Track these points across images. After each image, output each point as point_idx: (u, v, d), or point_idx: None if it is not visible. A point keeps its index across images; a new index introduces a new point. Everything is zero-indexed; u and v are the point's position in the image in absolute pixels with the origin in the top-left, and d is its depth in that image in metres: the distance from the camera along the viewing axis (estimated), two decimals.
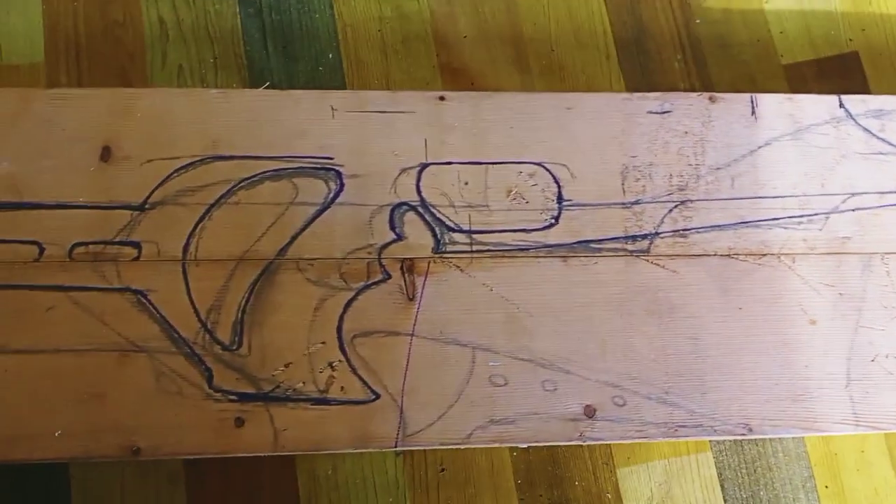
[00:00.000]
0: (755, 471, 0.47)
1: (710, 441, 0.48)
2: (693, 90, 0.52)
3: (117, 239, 0.44)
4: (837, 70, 0.56)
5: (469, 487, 0.46)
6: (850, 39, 0.56)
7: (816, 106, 0.50)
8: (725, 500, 0.47)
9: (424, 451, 0.46)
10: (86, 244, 0.43)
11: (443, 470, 0.46)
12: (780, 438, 0.47)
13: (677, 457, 0.47)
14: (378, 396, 0.43)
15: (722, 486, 0.47)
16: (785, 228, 0.48)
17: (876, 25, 0.56)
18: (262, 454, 0.42)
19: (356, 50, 0.52)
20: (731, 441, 0.47)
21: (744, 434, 0.45)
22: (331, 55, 0.51)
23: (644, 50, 0.54)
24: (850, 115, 0.50)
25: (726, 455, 0.48)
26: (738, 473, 0.48)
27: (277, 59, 0.51)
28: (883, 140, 0.50)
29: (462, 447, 0.43)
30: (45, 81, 0.49)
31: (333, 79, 0.51)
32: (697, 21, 0.55)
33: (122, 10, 0.51)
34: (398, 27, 0.53)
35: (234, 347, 0.43)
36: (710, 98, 0.49)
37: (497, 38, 0.53)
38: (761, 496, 0.47)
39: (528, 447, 0.45)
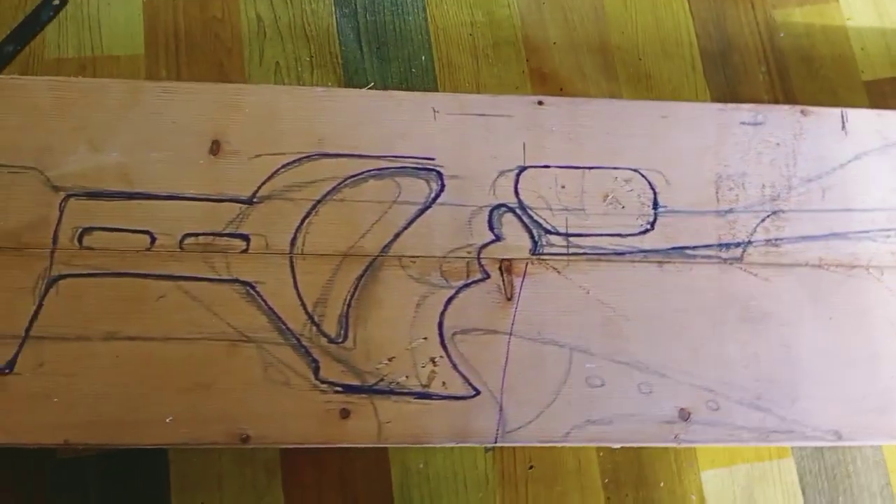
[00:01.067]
0: (835, 477, 0.48)
1: (791, 447, 0.48)
2: (776, 102, 0.53)
3: (227, 231, 0.44)
4: None
5: (557, 485, 0.46)
6: None
7: None
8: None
9: (514, 448, 0.46)
10: (196, 235, 0.44)
11: (531, 467, 0.46)
12: (858, 446, 0.47)
13: (760, 462, 0.47)
14: (478, 392, 0.43)
15: (803, 492, 0.47)
16: (874, 241, 0.48)
17: None
18: (366, 445, 0.42)
19: (448, 53, 0.52)
20: (812, 448, 0.47)
21: (833, 441, 0.45)
22: (423, 57, 0.52)
23: (729, 62, 0.54)
24: None
25: (807, 461, 0.48)
26: (819, 480, 0.48)
27: (371, 60, 0.51)
28: None
29: (559, 445, 0.43)
30: (144, 73, 0.50)
31: (425, 80, 0.51)
32: (781, 35, 0.56)
33: (221, 6, 0.52)
34: (489, 32, 0.53)
35: (340, 340, 0.43)
36: (802, 111, 0.50)
37: (585, 45, 0.54)
38: (840, 501, 0.47)
39: (618, 448, 0.45)
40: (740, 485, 0.47)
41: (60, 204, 0.44)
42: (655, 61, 0.53)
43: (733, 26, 0.56)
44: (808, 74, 0.56)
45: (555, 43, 0.53)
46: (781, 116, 0.50)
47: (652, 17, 0.55)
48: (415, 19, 0.53)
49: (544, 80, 0.53)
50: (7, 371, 0.41)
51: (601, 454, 0.47)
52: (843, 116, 0.50)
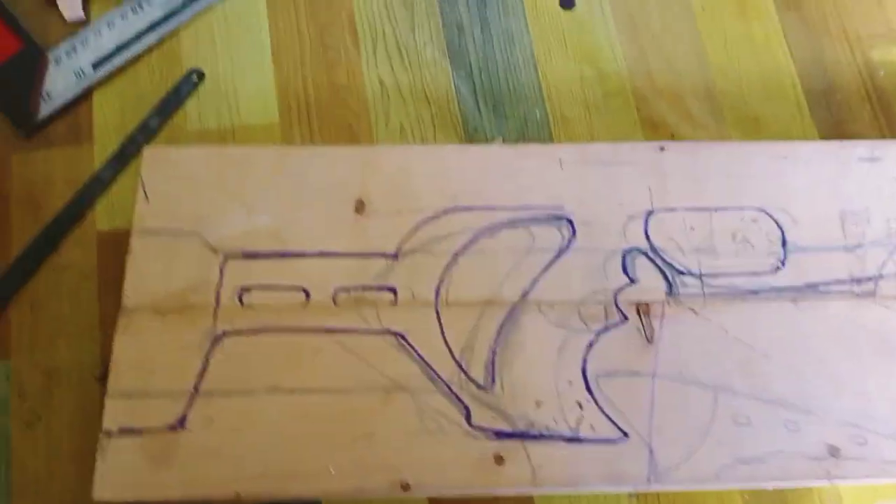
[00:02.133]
0: None
1: None
2: (883, 138, 0.53)
3: (376, 284, 0.45)
4: None
5: None
6: None
7: None
8: None
9: (658, 495, 0.46)
10: (347, 289, 0.45)
11: None
12: None
13: None
14: (627, 435, 0.43)
15: None
16: None
17: None
18: (522, 490, 0.42)
19: (560, 106, 0.53)
20: None
21: None
22: (538, 112, 0.53)
23: (833, 101, 0.55)
24: None
25: None
26: None
27: (489, 117, 0.53)
28: None
29: (712, 484, 0.42)
30: (280, 139, 0.52)
31: (541, 134, 0.52)
32: (881, 73, 0.56)
33: (345, 73, 0.54)
34: (598, 85, 0.54)
35: (489, 386, 0.43)
36: None
37: (691, 92, 0.55)
38: None
39: (768, 489, 0.44)
40: None
41: (221, 265, 0.45)
42: (761, 103, 0.54)
43: (833, 67, 0.56)
44: None
45: (662, 91, 0.54)
46: None
47: (753, 62, 0.56)
48: (527, 77, 0.54)
49: (655, 127, 0.54)
50: (179, 427, 0.42)
51: (745, 497, 0.46)
52: None
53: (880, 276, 0.47)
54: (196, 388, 0.43)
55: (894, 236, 0.48)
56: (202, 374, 0.43)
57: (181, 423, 0.42)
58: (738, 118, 0.55)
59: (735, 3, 0.59)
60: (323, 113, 0.53)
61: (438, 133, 0.53)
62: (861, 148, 0.50)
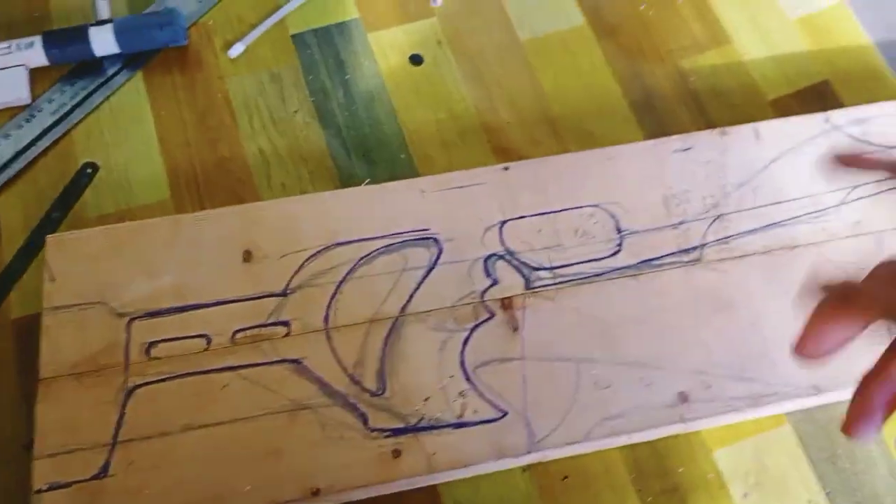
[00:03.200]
0: (829, 433, 0.54)
1: (785, 415, 0.54)
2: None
3: (269, 321, 0.52)
4: (814, 97, 0.66)
5: (590, 489, 0.52)
6: (820, 71, 0.67)
7: (807, 124, 0.60)
8: (811, 461, 0.53)
9: (547, 464, 0.52)
10: (244, 329, 0.51)
11: (566, 478, 0.52)
12: (844, 402, 0.54)
13: (761, 433, 0.54)
14: (506, 413, 0.50)
15: (805, 451, 0.53)
16: (807, 224, 0.57)
17: (840, 57, 0.68)
18: (420, 476, 0.48)
19: (422, 148, 0.62)
20: (802, 412, 0.54)
21: (814, 394, 0.51)
22: (402, 156, 0.61)
23: (655, 109, 0.64)
24: (836, 127, 0.60)
25: (802, 424, 0.54)
26: (816, 438, 0.54)
27: (360, 165, 0.60)
28: (867, 142, 0.59)
29: (584, 444, 0.49)
30: (174, 213, 0.59)
31: (408, 173, 0.61)
32: (692, 79, 0.66)
33: (227, 147, 0.62)
34: (453, 125, 0.63)
35: (381, 392, 0.50)
36: (721, 132, 0.59)
37: (532, 120, 0.64)
38: (839, 453, 0.53)
39: (636, 443, 0.51)
40: (749, 457, 0.53)
41: (126, 327, 0.51)
42: (594, 121, 0.63)
43: (651, 80, 0.66)
44: (723, 105, 0.66)
45: (508, 123, 0.63)
46: (705, 139, 0.59)
47: (582, 87, 0.66)
48: (389, 127, 0.63)
49: (506, 153, 0.63)
50: (102, 475, 0.47)
51: (623, 453, 0.53)
52: (755, 129, 0.60)
53: (703, 245, 0.56)
54: (115, 438, 0.48)
55: (711, 210, 0.57)
56: (119, 424, 0.49)
57: (104, 470, 0.47)
58: (576, 136, 0.64)
59: (559, 40, 0.69)
60: (210, 184, 0.60)
61: (317, 185, 0.61)
62: (675, 141, 0.60)
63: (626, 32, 0.72)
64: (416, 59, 0.69)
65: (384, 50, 0.69)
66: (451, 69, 0.69)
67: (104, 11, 0.67)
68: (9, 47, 0.65)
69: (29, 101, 0.64)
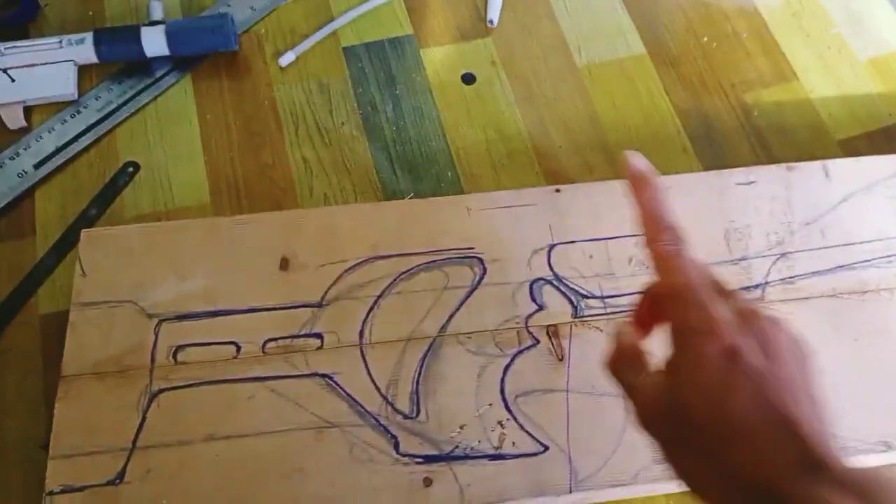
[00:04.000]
0: None
1: None
2: None
3: (302, 332, 0.50)
4: (884, 139, 0.63)
5: None
6: (890, 114, 0.64)
7: (879, 164, 0.57)
8: None
9: None
10: (276, 339, 0.49)
11: None
12: None
13: None
14: (547, 448, 0.47)
15: None
16: (878, 268, 0.53)
17: None
18: None
19: (469, 167, 0.60)
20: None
21: (884, 450, 0.48)
22: (449, 173, 0.60)
23: (714, 141, 0.62)
24: None
25: None
26: None
27: (405, 181, 0.59)
28: None
29: (631, 487, 0.46)
30: (212, 217, 0.57)
31: (455, 191, 0.59)
32: (755, 114, 0.64)
33: (271, 155, 0.61)
34: (502, 146, 0.61)
35: (414, 416, 0.47)
36: (788, 167, 0.57)
37: (586, 145, 0.62)
38: None
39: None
40: None
41: (155, 329, 0.50)
42: (650, 150, 0.61)
43: (712, 112, 0.64)
44: (787, 142, 0.63)
45: (560, 147, 0.62)
46: (771, 174, 0.57)
47: (640, 115, 0.64)
48: (437, 144, 0.61)
49: (556, 177, 0.61)
50: (118, 481, 0.45)
51: (671, 501, 0.50)
52: (824, 167, 0.57)
53: (766, 284, 0.53)
54: (134, 444, 0.46)
55: (775, 247, 0.54)
56: (139, 429, 0.47)
57: (120, 477, 0.45)
58: None
59: (618, 67, 0.68)
60: (251, 191, 0.59)
61: (360, 199, 0.59)
62: (737, 174, 0.57)
63: (687, 63, 0.70)
64: (468, 79, 0.68)
65: (436, 67, 0.68)
66: (503, 90, 0.67)
67: (157, 13, 0.67)
68: (59, 42, 0.65)
69: (76, 97, 0.64)
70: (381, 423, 0.48)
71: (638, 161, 0.41)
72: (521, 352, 0.50)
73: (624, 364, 0.37)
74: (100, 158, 0.62)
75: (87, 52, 0.64)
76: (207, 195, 0.61)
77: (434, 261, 0.53)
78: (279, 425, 0.47)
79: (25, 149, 0.62)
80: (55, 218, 0.59)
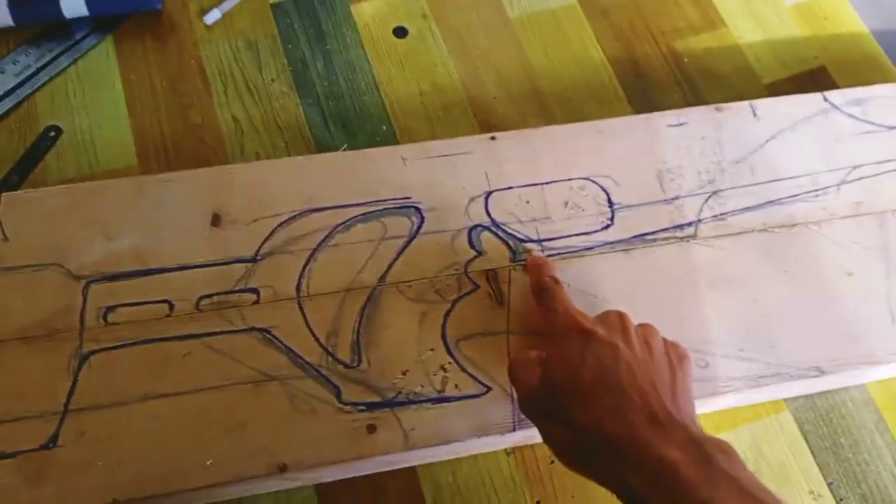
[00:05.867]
0: (831, 421, 0.52)
1: (785, 400, 0.52)
2: None
3: (237, 288, 0.49)
4: (810, 81, 0.65)
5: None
6: (816, 56, 0.66)
7: (805, 103, 0.59)
8: (811, 450, 0.51)
9: (533, 447, 0.50)
10: (210, 296, 0.48)
11: (552, 462, 0.50)
12: (846, 389, 0.52)
13: (759, 419, 0.52)
14: (489, 389, 0.47)
15: (805, 439, 0.51)
16: (805, 202, 0.55)
17: (836, 43, 0.67)
18: (396, 453, 0.45)
19: (405, 120, 0.60)
20: (804, 398, 0.52)
21: (817, 375, 0.49)
22: (384, 127, 0.59)
23: (646, 90, 0.63)
24: (835, 106, 0.59)
25: (803, 411, 0.52)
26: (817, 426, 0.52)
27: (339, 137, 0.58)
28: (867, 121, 0.58)
29: None
30: None
31: (390, 145, 0.58)
32: (686, 60, 0.65)
33: (199, 114, 0.59)
34: (437, 98, 0.61)
35: (356, 364, 0.47)
36: (717, 108, 0.58)
37: (521, 95, 0.62)
38: (842, 442, 0.51)
39: None
40: (747, 444, 0.51)
41: (83, 290, 0.48)
42: (584, 98, 0.62)
43: (642, 59, 0.65)
44: (717, 87, 0.65)
45: (495, 98, 0.62)
46: (700, 115, 0.58)
47: (573, 63, 0.64)
48: (370, 98, 0.60)
49: (493, 128, 0.61)
50: (51, 445, 0.44)
51: None
52: (752, 106, 0.58)
53: (699, 221, 0.54)
54: (66, 407, 0.45)
55: (706, 185, 0.55)
56: (70, 392, 0.45)
57: (53, 441, 0.44)
58: (565, 112, 0.62)
59: (550, 17, 0.68)
60: (180, 152, 0.58)
61: (293, 155, 0.58)
62: (668, 116, 0.58)
63: (617, 13, 0.70)
64: (400, 32, 0.67)
65: (367, 21, 0.68)
66: (436, 43, 0.67)
67: None
68: None
69: None
70: (322, 373, 0.47)
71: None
72: (461, 297, 0.50)
73: (519, 364, 0.43)
74: (20, 124, 0.60)
75: (1, 15, 0.62)
76: (134, 157, 0.59)
77: (371, 212, 0.52)
78: (217, 381, 0.47)
79: None
80: None
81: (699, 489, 0.31)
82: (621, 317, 0.42)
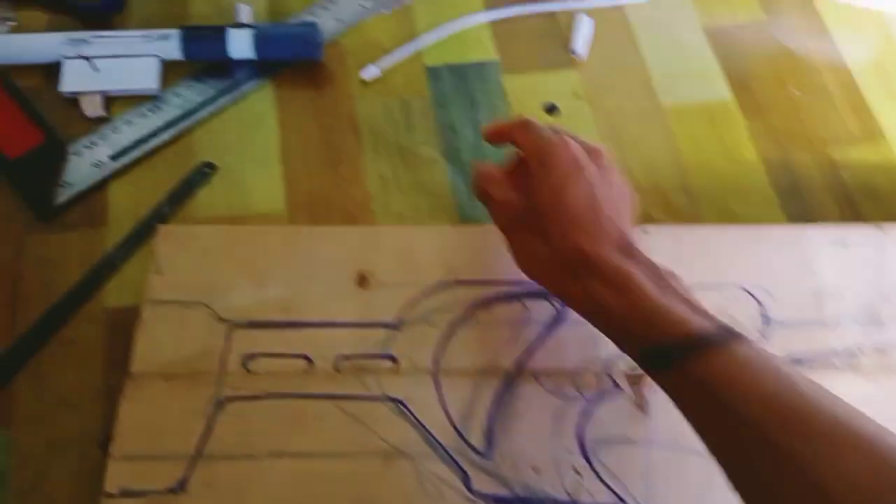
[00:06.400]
0: None
1: None
2: None
3: (376, 352, 0.48)
4: None
5: None
6: None
7: None
8: None
9: None
10: (349, 357, 0.48)
11: None
12: None
13: None
14: (624, 502, 0.45)
15: None
16: None
17: None
18: None
19: None
20: None
21: None
22: None
23: (801, 196, 0.61)
24: None
25: None
26: None
27: (482, 207, 0.57)
28: None
29: None
30: (286, 224, 0.56)
31: None
32: (843, 171, 0.63)
33: (348, 169, 0.60)
34: None
35: (487, 452, 0.46)
36: (880, 228, 0.55)
37: (668, 187, 0.62)
38: None
39: None
40: None
41: (227, 334, 0.48)
42: (735, 197, 0.60)
43: (798, 164, 0.63)
44: (876, 202, 0.62)
45: (642, 186, 0.60)
46: (863, 233, 0.55)
47: (725, 161, 0.62)
48: None
49: (638, 218, 0.59)
50: (178, 489, 0.44)
51: None
52: None
53: (858, 351, 0.51)
54: (198, 452, 0.45)
55: (867, 312, 0.52)
56: (205, 438, 0.45)
57: (181, 485, 0.44)
58: (714, 210, 0.60)
59: (704, 110, 0.66)
60: (326, 203, 0.58)
61: (435, 220, 0.58)
62: (829, 231, 0.55)
63: (774, 113, 0.68)
64: (551, 109, 0.67)
65: (518, 95, 0.67)
66: (586, 123, 0.66)
67: (245, 16, 0.67)
68: (145, 36, 0.64)
69: (157, 92, 0.63)
70: (453, 457, 0.46)
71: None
72: (601, 397, 0.48)
73: (487, 181, 0.48)
74: (177, 156, 0.61)
75: (172, 48, 0.64)
76: (283, 203, 0.60)
77: (515, 292, 0.51)
78: (349, 447, 0.46)
79: (102, 139, 0.61)
80: (128, 211, 0.58)
81: (658, 298, 0.39)
82: (599, 151, 0.46)
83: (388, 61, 0.68)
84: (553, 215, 0.43)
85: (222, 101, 0.65)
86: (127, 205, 0.59)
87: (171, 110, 0.64)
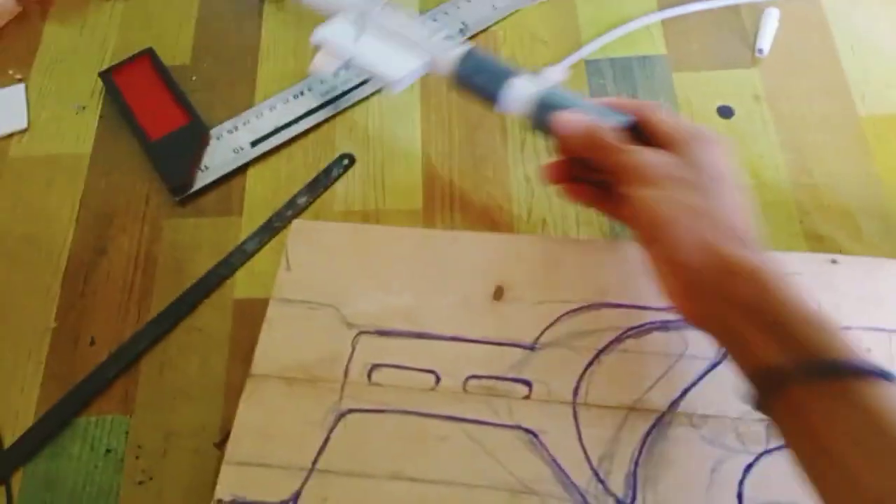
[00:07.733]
0: None
1: None
2: None
3: (510, 375, 0.43)
4: None
5: None
6: None
7: None
8: None
9: None
10: (479, 377, 0.43)
11: None
12: None
13: None
14: None
15: None
16: None
17: None
18: None
19: None
20: None
21: None
22: None
23: None
24: None
25: None
26: None
27: None
28: None
29: None
30: (422, 225, 0.53)
31: None
32: None
33: (492, 169, 0.55)
34: (757, 194, 0.53)
35: (629, 502, 0.40)
36: None
37: (861, 210, 0.54)
38: None
39: None
40: None
41: (353, 341, 0.45)
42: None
43: None
44: None
45: (828, 206, 0.52)
46: None
47: None
48: None
49: (820, 241, 0.51)
50: (292, 503, 0.41)
51: None
52: None
53: None
54: (313, 465, 0.42)
55: None
56: (322, 449, 0.42)
57: (295, 499, 0.41)
58: (884, 236, 0.51)
59: None
60: (466, 203, 0.54)
61: (582, 230, 0.53)
62: None
63: None
64: (725, 112, 0.60)
65: (688, 94, 0.61)
66: (765, 131, 0.59)
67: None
68: (430, 34, 0.54)
69: (397, 88, 0.54)
70: (589, 501, 0.41)
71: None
72: (768, 452, 0.41)
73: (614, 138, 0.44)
74: (316, 145, 0.60)
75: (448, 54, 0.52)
76: (420, 201, 0.57)
77: (672, 321, 0.45)
78: (471, 478, 0.42)
79: (244, 124, 0.60)
80: (263, 200, 0.57)
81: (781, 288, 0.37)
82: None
83: (569, 61, 0.62)
84: (723, 183, 0.41)
85: (366, 89, 0.62)
86: (262, 193, 0.58)
87: (313, 98, 0.62)
